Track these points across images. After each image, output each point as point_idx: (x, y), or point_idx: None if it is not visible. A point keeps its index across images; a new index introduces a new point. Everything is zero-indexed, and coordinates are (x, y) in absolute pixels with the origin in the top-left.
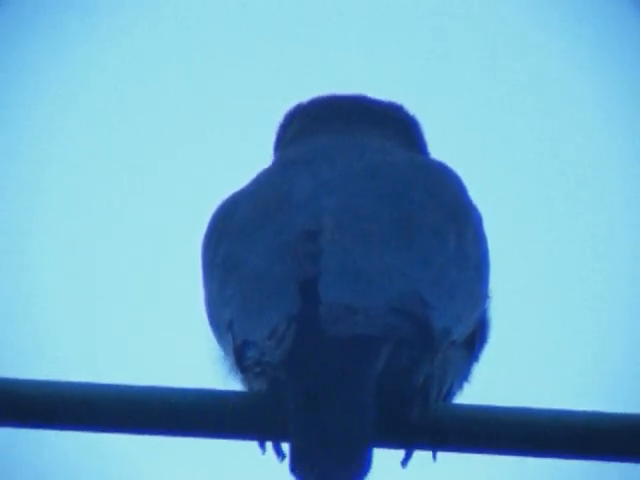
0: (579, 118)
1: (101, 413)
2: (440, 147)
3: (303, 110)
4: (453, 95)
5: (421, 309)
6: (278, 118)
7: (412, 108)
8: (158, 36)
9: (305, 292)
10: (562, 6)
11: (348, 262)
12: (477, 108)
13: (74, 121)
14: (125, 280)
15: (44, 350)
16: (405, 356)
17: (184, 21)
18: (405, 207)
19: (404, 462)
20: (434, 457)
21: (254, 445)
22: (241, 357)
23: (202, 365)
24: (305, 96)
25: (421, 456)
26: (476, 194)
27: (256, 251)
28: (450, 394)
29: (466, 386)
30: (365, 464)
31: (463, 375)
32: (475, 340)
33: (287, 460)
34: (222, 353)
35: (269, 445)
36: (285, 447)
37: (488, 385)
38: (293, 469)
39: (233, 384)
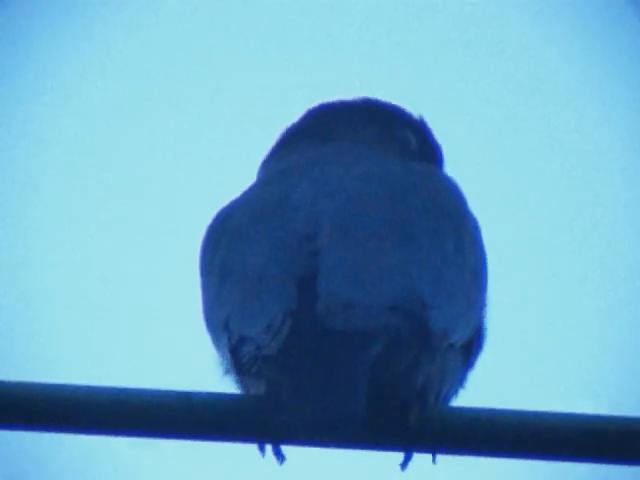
0: (580, 119)
1: (100, 415)
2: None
3: (299, 121)
4: (454, 97)
5: (420, 309)
6: (281, 121)
7: (414, 110)
8: (160, 39)
9: (302, 288)
10: (563, 5)
11: (346, 260)
12: (479, 109)
13: (74, 121)
14: (123, 282)
15: (43, 353)
16: (404, 357)
17: (187, 24)
18: (404, 211)
19: (403, 465)
20: (433, 460)
21: (254, 448)
22: (237, 354)
23: (201, 368)
24: (309, 99)
25: (420, 459)
26: (475, 197)
27: (254, 253)
28: (446, 398)
29: (461, 392)
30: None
31: (459, 380)
32: (472, 346)
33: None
34: (219, 356)
35: (268, 448)
36: (285, 450)
37: (487, 388)
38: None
39: (231, 388)
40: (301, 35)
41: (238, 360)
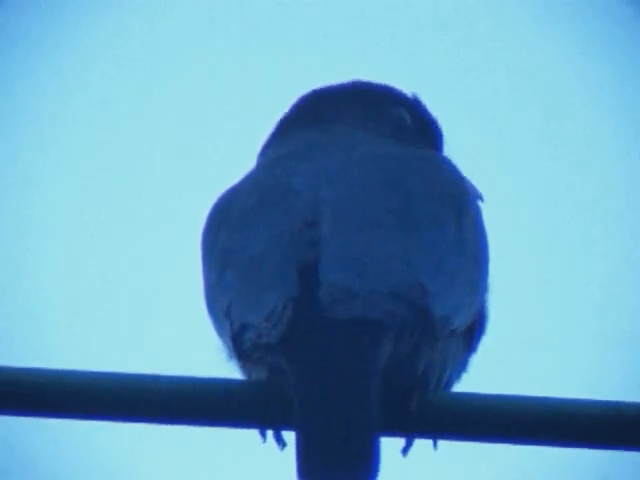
0: (580, 114)
1: (100, 401)
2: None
3: (293, 108)
4: (453, 91)
5: (421, 296)
6: (277, 109)
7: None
8: (156, 34)
9: (304, 275)
10: (565, 3)
11: (348, 248)
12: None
13: (73, 117)
14: (124, 270)
15: (44, 340)
16: (406, 343)
17: (183, 20)
18: (404, 196)
19: (404, 450)
20: (435, 445)
21: (255, 433)
22: (239, 341)
23: (203, 353)
24: (304, 86)
25: (422, 444)
26: (474, 180)
27: (255, 239)
28: (449, 383)
29: (464, 376)
30: (374, 460)
31: (462, 365)
32: (474, 331)
33: (295, 463)
34: (220, 342)
35: (270, 433)
36: (286, 435)
37: (489, 374)
38: (301, 475)
39: (233, 372)
40: (295, 23)
41: (240, 347)
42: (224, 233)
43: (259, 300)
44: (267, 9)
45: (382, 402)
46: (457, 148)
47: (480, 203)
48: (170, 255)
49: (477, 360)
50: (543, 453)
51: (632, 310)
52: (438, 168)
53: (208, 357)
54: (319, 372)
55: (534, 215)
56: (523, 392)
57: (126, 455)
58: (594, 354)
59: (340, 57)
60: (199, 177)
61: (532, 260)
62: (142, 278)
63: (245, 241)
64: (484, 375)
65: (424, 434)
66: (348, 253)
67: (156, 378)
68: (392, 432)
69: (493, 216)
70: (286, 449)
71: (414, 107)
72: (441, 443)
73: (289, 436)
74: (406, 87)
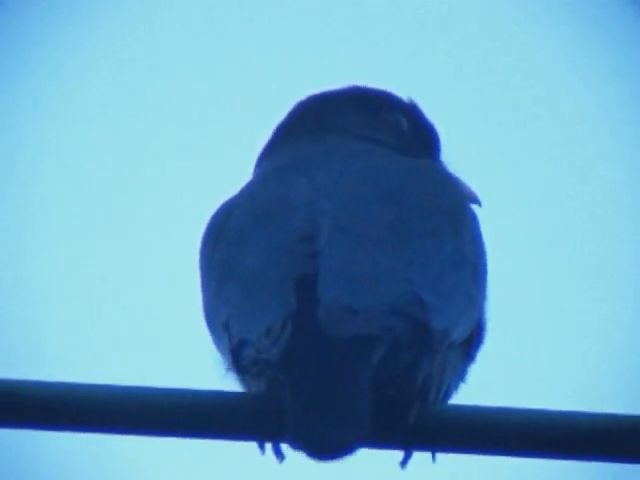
0: (580, 114)
1: (100, 414)
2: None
3: (289, 115)
4: (452, 92)
5: (420, 310)
6: (275, 114)
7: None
8: (157, 35)
9: (302, 291)
10: (564, 3)
11: (346, 263)
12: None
13: (73, 118)
14: (124, 281)
15: (45, 351)
16: (404, 357)
17: (183, 22)
18: (402, 209)
19: (403, 463)
20: (433, 458)
21: (253, 446)
22: (238, 357)
23: (202, 366)
24: (302, 91)
25: (420, 457)
26: (473, 186)
27: (253, 253)
28: (447, 395)
29: (462, 386)
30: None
31: (460, 375)
32: (472, 341)
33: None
34: (219, 355)
35: (268, 446)
36: (284, 448)
37: (487, 386)
38: (293, 439)
39: (232, 385)
40: (294, 24)
41: (239, 361)
42: (222, 246)
43: (258, 316)
44: (266, 11)
45: (380, 414)
46: (455, 152)
47: (478, 207)
48: (169, 259)
49: (476, 371)
50: (544, 466)
51: (632, 320)
52: (436, 180)
53: (207, 369)
54: (316, 385)
55: (532, 219)
56: (522, 404)
57: (125, 466)
58: (594, 364)
59: (339, 58)
60: (199, 179)
61: (530, 264)
62: (141, 287)
63: (243, 254)
64: (483, 387)
65: (423, 447)
66: (346, 268)
67: (154, 391)
68: (390, 444)
69: (491, 220)
70: (285, 461)
71: (411, 112)
72: (440, 456)
73: (288, 449)
74: (404, 89)
